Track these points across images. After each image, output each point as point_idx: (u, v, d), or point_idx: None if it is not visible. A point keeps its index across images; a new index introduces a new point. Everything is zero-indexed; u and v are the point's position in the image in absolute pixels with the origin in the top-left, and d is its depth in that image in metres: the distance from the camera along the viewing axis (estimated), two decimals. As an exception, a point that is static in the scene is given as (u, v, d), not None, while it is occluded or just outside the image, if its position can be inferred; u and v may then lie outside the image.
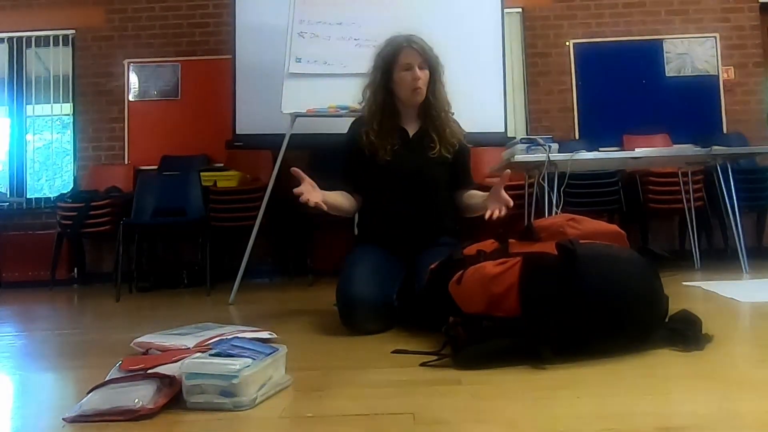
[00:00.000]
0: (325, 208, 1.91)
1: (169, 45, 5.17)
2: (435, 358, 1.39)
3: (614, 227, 1.60)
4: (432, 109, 2.07)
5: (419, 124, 2.11)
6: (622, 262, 1.41)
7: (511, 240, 1.62)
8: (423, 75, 2.02)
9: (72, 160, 5.27)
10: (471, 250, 1.69)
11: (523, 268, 1.40)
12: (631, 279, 1.39)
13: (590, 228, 1.50)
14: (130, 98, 5.16)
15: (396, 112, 2.10)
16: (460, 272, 1.56)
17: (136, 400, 1.08)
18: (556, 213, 3.25)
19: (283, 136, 3.18)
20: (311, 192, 1.86)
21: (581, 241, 1.40)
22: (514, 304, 1.38)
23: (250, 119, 3.79)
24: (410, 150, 2.07)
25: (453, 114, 2.13)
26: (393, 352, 1.54)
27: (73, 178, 5.22)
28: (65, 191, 4.85)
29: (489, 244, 1.69)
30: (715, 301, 2.43)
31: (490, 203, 1.87)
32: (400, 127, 2.10)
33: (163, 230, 4.50)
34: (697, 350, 1.41)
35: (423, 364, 1.39)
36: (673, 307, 1.53)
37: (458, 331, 1.40)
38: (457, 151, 2.10)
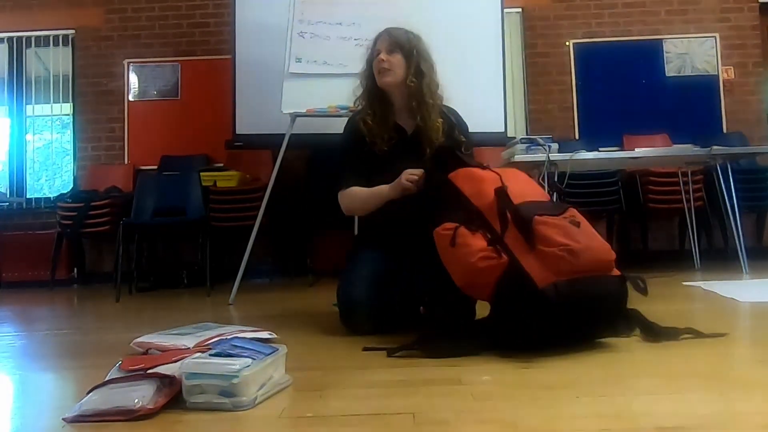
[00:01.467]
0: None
1: (169, 45, 5.17)
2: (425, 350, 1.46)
3: (607, 255, 1.52)
4: (413, 99, 2.05)
5: (414, 122, 2.09)
6: (599, 301, 1.47)
7: (509, 217, 1.51)
8: (390, 58, 2.03)
9: (72, 160, 5.27)
10: (463, 191, 1.64)
11: (505, 276, 1.45)
12: (602, 316, 1.50)
13: (584, 261, 1.45)
14: (130, 98, 5.16)
15: (388, 103, 2.09)
16: (452, 227, 1.54)
17: (136, 400, 1.08)
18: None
19: (283, 136, 3.18)
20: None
21: (566, 279, 1.40)
22: (487, 297, 1.50)
23: (250, 119, 3.78)
24: (407, 149, 2.06)
25: (441, 100, 2.10)
26: (364, 349, 1.60)
27: (72, 178, 5.22)
28: (65, 191, 4.85)
29: (488, 203, 1.57)
30: (715, 301, 2.43)
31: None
32: (396, 123, 2.09)
33: (163, 230, 4.50)
34: (663, 341, 1.54)
35: (390, 355, 1.49)
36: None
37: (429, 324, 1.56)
38: (450, 146, 2.03)
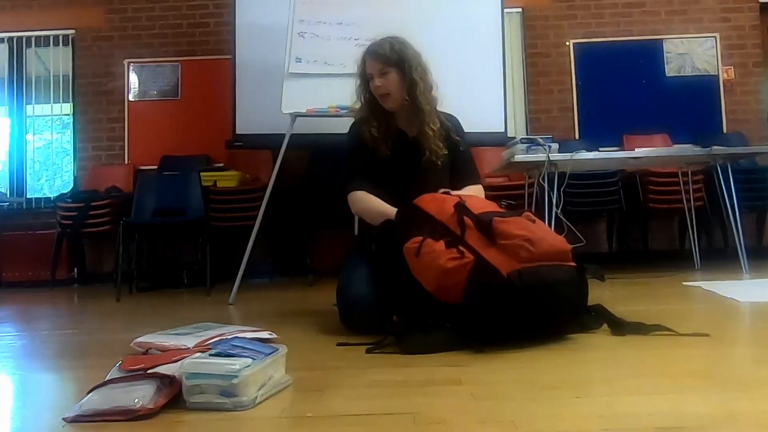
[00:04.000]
0: None
1: (169, 45, 5.17)
2: (399, 346, 1.52)
3: (562, 245, 1.66)
4: (411, 109, 2.07)
5: (416, 127, 2.11)
6: (559, 286, 1.58)
7: (468, 222, 1.63)
8: (384, 81, 2.04)
9: (72, 160, 5.27)
10: (427, 211, 1.74)
11: (473, 273, 1.54)
12: (563, 301, 1.60)
13: (542, 250, 1.56)
14: (130, 98, 5.16)
15: (389, 115, 2.12)
16: (419, 240, 1.64)
17: (136, 400, 1.08)
18: (556, 213, 3.25)
19: (283, 136, 3.18)
20: None
21: (529, 266, 1.52)
22: (459, 297, 1.56)
23: (250, 119, 3.79)
24: (408, 153, 2.09)
25: (437, 102, 2.11)
26: (338, 344, 1.68)
27: (73, 178, 5.22)
28: (65, 191, 4.85)
29: (449, 216, 1.68)
30: (715, 301, 2.43)
31: None
32: (398, 129, 2.12)
33: (163, 230, 4.50)
34: (629, 334, 1.61)
35: (368, 351, 1.56)
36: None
37: (401, 328, 1.60)
38: (451, 150, 2.10)
